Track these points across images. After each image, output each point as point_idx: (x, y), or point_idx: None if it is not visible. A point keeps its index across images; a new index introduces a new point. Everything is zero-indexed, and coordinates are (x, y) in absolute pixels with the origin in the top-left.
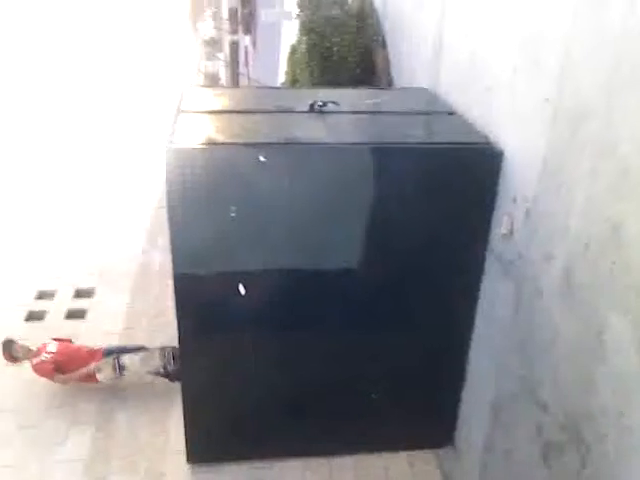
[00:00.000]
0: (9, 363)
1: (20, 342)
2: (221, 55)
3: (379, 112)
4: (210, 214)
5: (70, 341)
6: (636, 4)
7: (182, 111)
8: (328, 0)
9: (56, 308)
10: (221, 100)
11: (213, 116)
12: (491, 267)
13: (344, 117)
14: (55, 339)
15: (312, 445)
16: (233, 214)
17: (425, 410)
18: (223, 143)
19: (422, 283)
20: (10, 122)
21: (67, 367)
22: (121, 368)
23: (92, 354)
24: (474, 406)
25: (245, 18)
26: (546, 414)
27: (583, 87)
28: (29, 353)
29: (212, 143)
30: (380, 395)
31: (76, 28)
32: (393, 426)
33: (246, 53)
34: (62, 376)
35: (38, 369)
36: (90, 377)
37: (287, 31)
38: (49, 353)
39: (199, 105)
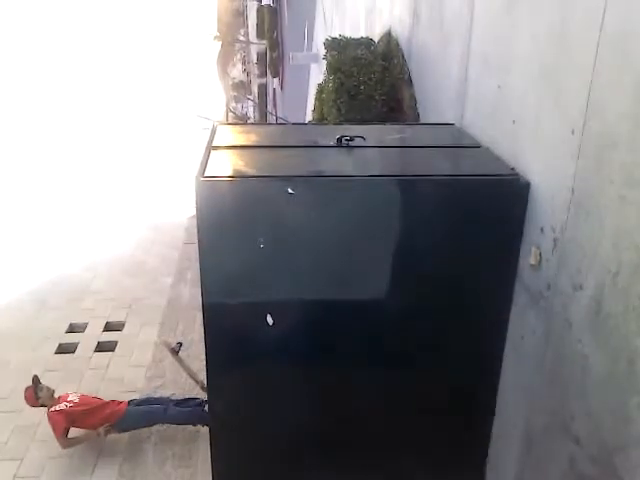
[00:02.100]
0: (28, 403)
1: (46, 385)
2: (250, 97)
3: (406, 146)
4: (239, 245)
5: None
6: None
7: (213, 146)
8: (354, 41)
9: (87, 341)
10: (250, 136)
11: (243, 151)
12: (520, 298)
13: (371, 151)
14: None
15: (339, 478)
16: (262, 245)
17: (454, 445)
18: (252, 176)
19: (450, 315)
20: (47, 160)
21: (82, 422)
22: None
23: (116, 404)
24: (505, 440)
25: (273, 61)
26: (579, 447)
27: (608, 116)
28: (51, 398)
29: (241, 176)
30: (408, 428)
31: (115, 74)
32: (421, 461)
33: (274, 95)
34: (66, 440)
35: (52, 418)
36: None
37: (315, 72)
38: (69, 402)
39: (229, 140)
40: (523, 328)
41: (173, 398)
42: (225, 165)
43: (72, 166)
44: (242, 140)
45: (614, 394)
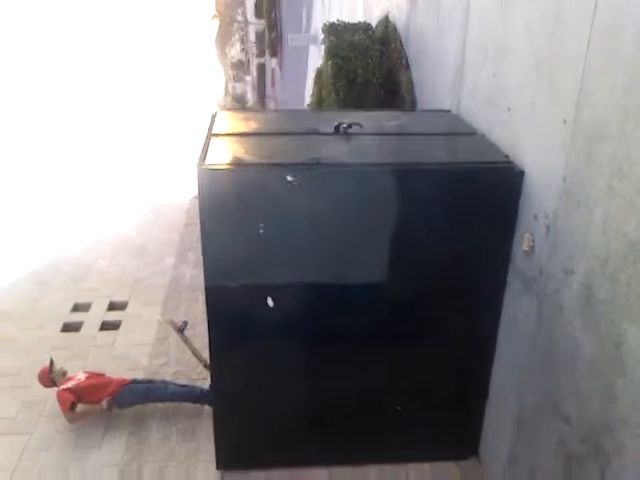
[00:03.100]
0: (42, 383)
1: (61, 366)
2: (248, 77)
3: (402, 134)
4: (240, 230)
5: (103, 375)
6: None
7: (213, 134)
8: (352, 26)
9: (91, 320)
10: (250, 123)
11: (242, 138)
12: (513, 283)
13: (368, 139)
14: (87, 372)
15: (338, 454)
16: (261, 230)
17: (450, 422)
18: (252, 164)
19: (446, 300)
20: (49, 143)
21: (88, 397)
22: None
23: (120, 381)
24: (498, 419)
25: (272, 41)
26: (568, 426)
27: (599, 108)
28: (62, 378)
29: (242, 164)
30: (405, 407)
31: (109, 55)
32: (418, 437)
33: (273, 75)
34: (73, 414)
35: (60, 397)
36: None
37: (314, 53)
38: (76, 381)
39: (229, 128)
40: (516, 312)
41: (176, 382)
42: (225, 153)
43: (74, 149)
44: (241, 127)
45: (602, 375)
